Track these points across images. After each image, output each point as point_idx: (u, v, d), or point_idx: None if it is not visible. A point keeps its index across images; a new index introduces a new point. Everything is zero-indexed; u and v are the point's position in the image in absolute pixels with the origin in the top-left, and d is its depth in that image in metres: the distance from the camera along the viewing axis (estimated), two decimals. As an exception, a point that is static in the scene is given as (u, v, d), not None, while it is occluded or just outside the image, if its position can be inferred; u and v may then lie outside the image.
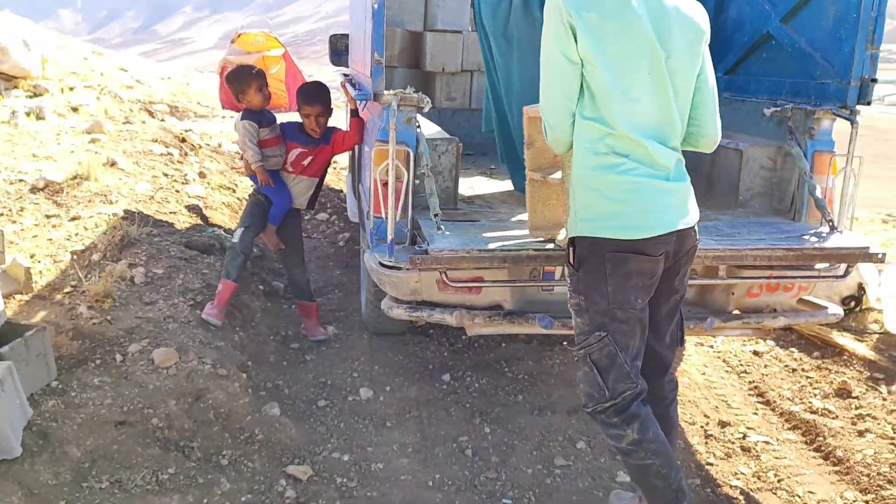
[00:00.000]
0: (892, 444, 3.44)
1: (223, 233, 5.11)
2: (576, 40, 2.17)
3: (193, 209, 5.46)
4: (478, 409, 3.67)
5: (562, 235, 2.63)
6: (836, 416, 3.73)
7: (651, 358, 2.53)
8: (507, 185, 4.12)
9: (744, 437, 3.57)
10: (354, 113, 3.93)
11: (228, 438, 3.12)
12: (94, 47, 14.82)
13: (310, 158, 4.04)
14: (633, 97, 2.22)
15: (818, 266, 3.26)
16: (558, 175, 2.63)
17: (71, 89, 8.33)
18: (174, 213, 5.17)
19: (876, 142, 18.14)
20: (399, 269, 3.02)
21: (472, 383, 3.93)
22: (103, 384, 3.12)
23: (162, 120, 8.30)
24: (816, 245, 3.11)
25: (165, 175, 5.84)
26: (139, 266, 4.04)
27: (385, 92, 3.03)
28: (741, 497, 3.13)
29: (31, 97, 7.57)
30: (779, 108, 3.53)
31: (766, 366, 4.33)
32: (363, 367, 4.06)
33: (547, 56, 2.25)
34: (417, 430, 3.50)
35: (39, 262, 4.16)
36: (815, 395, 3.94)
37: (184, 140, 6.98)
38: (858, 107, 3.38)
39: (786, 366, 4.31)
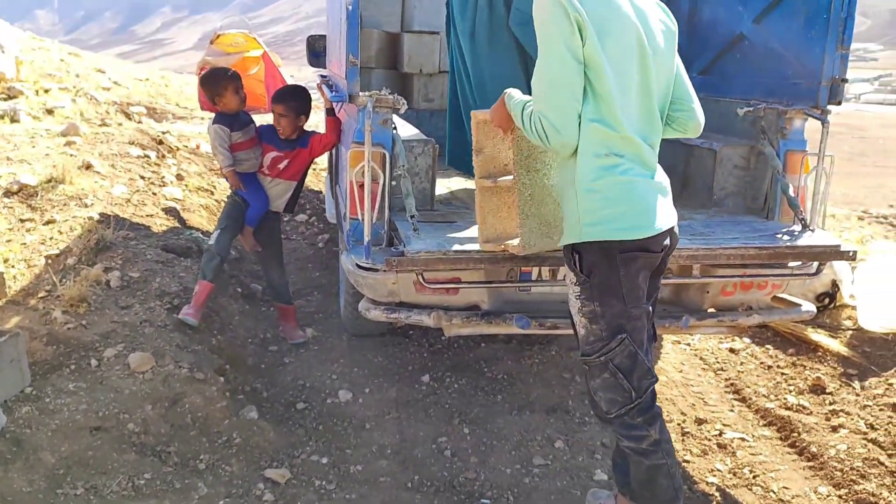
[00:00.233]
0: (865, 439, 3.49)
1: (201, 235, 5.08)
2: (582, 38, 2.12)
3: (171, 212, 5.42)
4: (457, 410, 3.68)
5: (516, 242, 2.56)
6: (811, 412, 3.78)
7: None
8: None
9: (720, 434, 3.60)
10: (330, 112, 3.92)
11: (206, 443, 3.11)
12: (71, 48, 14.68)
13: (286, 162, 4.03)
14: (628, 97, 2.23)
15: (791, 264, 3.30)
16: (508, 178, 2.57)
17: (46, 91, 8.25)
18: (151, 215, 5.13)
19: (852, 139, 18.35)
20: (376, 270, 3.02)
21: (452, 384, 3.94)
22: (78, 390, 3.09)
23: (139, 122, 8.25)
24: (788, 244, 3.15)
25: (142, 177, 5.79)
26: (115, 270, 4.01)
27: (360, 94, 3.02)
28: (717, 493, 3.16)
29: (5, 100, 7.49)
30: (752, 108, 3.56)
31: (742, 363, 4.38)
32: (342, 369, 4.05)
33: (551, 55, 2.15)
34: (396, 431, 3.50)
35: (13, 266, 4.12)
36: (790, 392, 3.99)
37: (161, 142, 6.92)
38: (830, 106, 3.42)
39: (761, 363, 4.35)
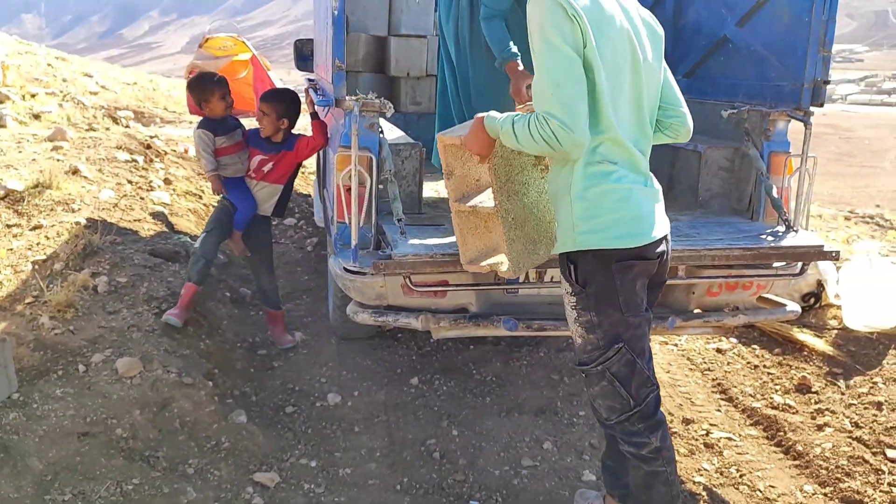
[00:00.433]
0: (850, 437, 3.53)
1: (189, 240, 5.07)
2: (583, 40, 2.09)
3: (159, 216, 5.41)
4: (446, 412, 3.69)
5: (505, 266, 2.47)
6: (797, 412, 3.81)
7: None
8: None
9: (707, 434, 3.63)
10: (315, 116, 3.93)
11: (194, 447, 3.11)
12: (58, 52, 14.64)
13: (270, 165, 4.03)
14: (620, 103, 2.22)
15: (775, 264, 3.33)
16: (487, 201, 2.48)
17: (33, 96, 8.23)
18: (139, 220, 5.12)
19: (839, 140, 18.49)
20: (363, 274, 3.03)
21: (440, 386, 3.95)
22: (66, 395, 3.08)
23: (127, 126, 8.23)
24: (773, 244, 3.18)
25: (130, 182, 5.78)
26: (102, 275, 4.00)
27: (347, 98, 3.04)
28: (704, 493, 3.19)
29: (-9, 104, 7.46)
30: (736, 111, 3.59)
31: (728, 363, 4.41)
32: (331, 372, 4.06)
33: (554, 56, 2.08)
34: (385, 434, 3.51)
35: (0, 272, 4.10)
36: (776, 391, 4.02)
37: (149, 146, 6.91)
38: (813, 108, 3.46)
39: (748, 363, 4.39)
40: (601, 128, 2.17)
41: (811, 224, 7.38)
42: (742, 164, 3.70)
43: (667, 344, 4.69)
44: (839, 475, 3.25)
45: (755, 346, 4.57)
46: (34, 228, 4.62)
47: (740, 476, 3.30)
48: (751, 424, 3.76)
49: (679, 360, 4.50)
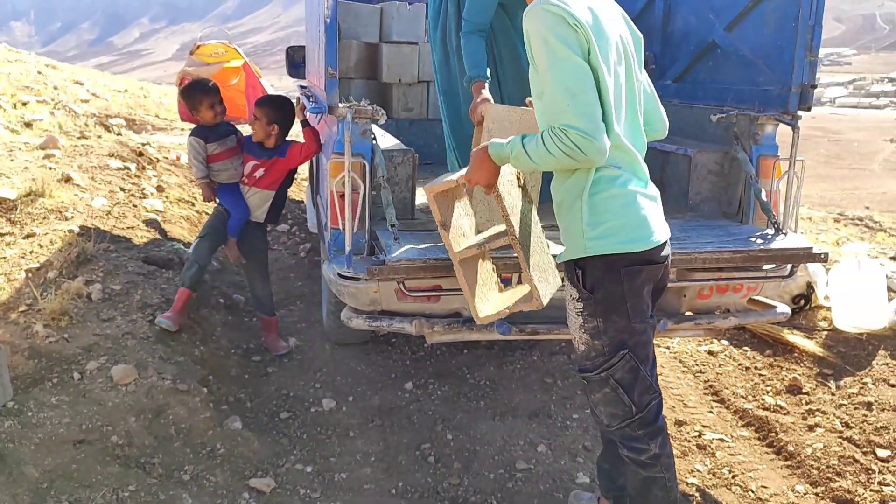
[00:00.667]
0: (841, 437, 3.57)
1: (182, 247, 5.08)
2: (588, 48, 2.10)
3: (152, 224, 5.42)
4: (440, 416, 3.71)
5: (530, 301, 2.44)
6: (788, 412, 3.85)
7: None
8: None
9: (699, 436, 3.66)
10: (305, 124, 3.95)
11: (190, 454, 3.12)
12: (48, 60, 14.62)
13: (262, 171, 4.05)
14: (621, 105, 2.23)
15: (765, 267, 3.36)
16: (499, 239, 2.46)
17: (24, 104, 8.22)
18: (132, 228, 5.13)
19: (828, 142, 18.61)
20: (357, 279, 3.04)
21: (435, 391, 3.97)
22: (61, 403, 3.09)
23: (118, 134, 8.22)
24: (762, 247, 3.21)
25: (122, 190, 5.78)
26: (96, 283, 4.01)
27: (340, 105, 3.06)
28: (697, 494, 3.21)
29: (-18, 113, 7.44)
30: (724, 115, 3.63)
31: (720, 365, 4.44)
32: (326, 377, 4.07)
33: (563, 66, 2.07)
34: (380, 438, 3.52)
35: (-7, 281, 4.10)
36: (768, 392, 4.06)
37: (141, 154, 6.91)
38: (801, 112, 3.50)
39: (739, 364, 4.42)
40: (611, 133, 2.17)
41: (801, 226, 7.44)
42: (731, 168, 3.74)
43: (659, 346, 4.72)
44: (830, 475, 3.29)
45: (746, 348, 4.60)
46: (27, 237, 4.62)
47: (733, 477, 3.33)
48: (743, 425, 3.80)
49: (671, 362, 4.54)
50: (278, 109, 4.02)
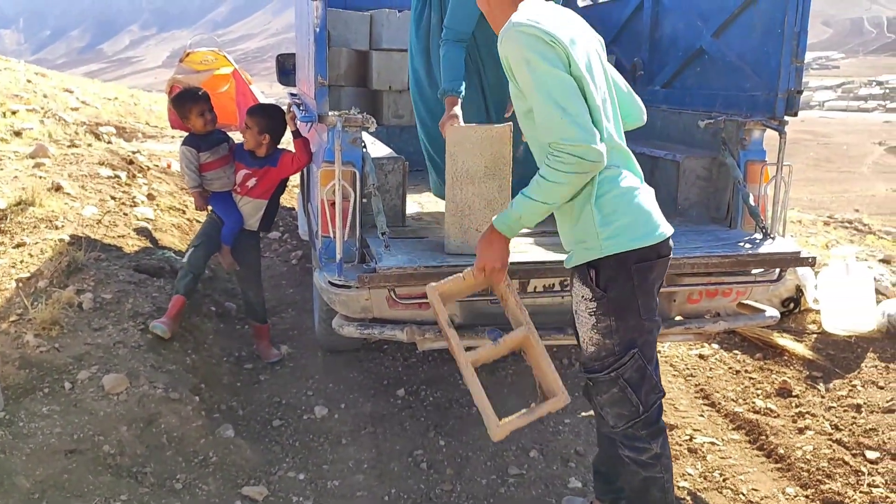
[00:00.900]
0: (830, 439, 3.59)
1: (173, 255, 5.07)
2: (568, 60, 2.16)
3: (142, 232, 5.41)
4: (432, 423, 3.72)
5: (559, 400, 2.44)
6: (778, 415, 3.87)
7: None
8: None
9: (691, 439, 3.68)
10: (297, 135, 3.97)
11: (182, 462, 3.11)
12: (37, 68, 14.58)
13: (254, 180, 4.06)
14: (608, 108, 2.31)
15: (754, 271, 3.39)
16: (489, 345, 2.48)
17: (13, 113, 8.19)
18: (122, 236, 5.12)
19: (817, 146, 18.73)
20: (348, 287, 3.05)
21: (427, 397, 3.98)
22: (52, 413, 3.08)
23: (109, 142, 8.21)
24: (750, 251, 3.24)
25: (113, 198, 5.78)
26: (87, 292, 4.00)
27: (330, 113, 3.07)
28: (689, 497, 3.23)
29: (-29, 122, 7.42)
30: (712, 120, 3.67)
31: (711, 368, 4.47)
32: (318, 385, 4.07)
33: (545, 81, 2.14)
34: (373, 445, 3.53)
35: (-17, 291, 4.09)
36: (758, 396, 4.08)
37: (131, 162, 6.91)
38: (787, 117, 3.53)
39: (730, 368, 4.45)
40: (604, 136, 2.23)
41: (791, 230, 7.48)
42: (719, 173, 3.77)
43: (657, 350, 4.73)
44: (820, 477, 3.31)
45: (737, 352, 4.63)
46: (17, 246, 4.61)
47: (724, 480, 3.35)
48: (733, 429, 3.82)
49: (662, 366, 4.55)
50: (270, 119, 4.03)
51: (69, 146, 7.14)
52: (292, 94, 5.34)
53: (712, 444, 3.64)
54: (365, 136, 3.23)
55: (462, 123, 3.39)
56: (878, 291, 4.84)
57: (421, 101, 3.97)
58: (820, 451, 3.49)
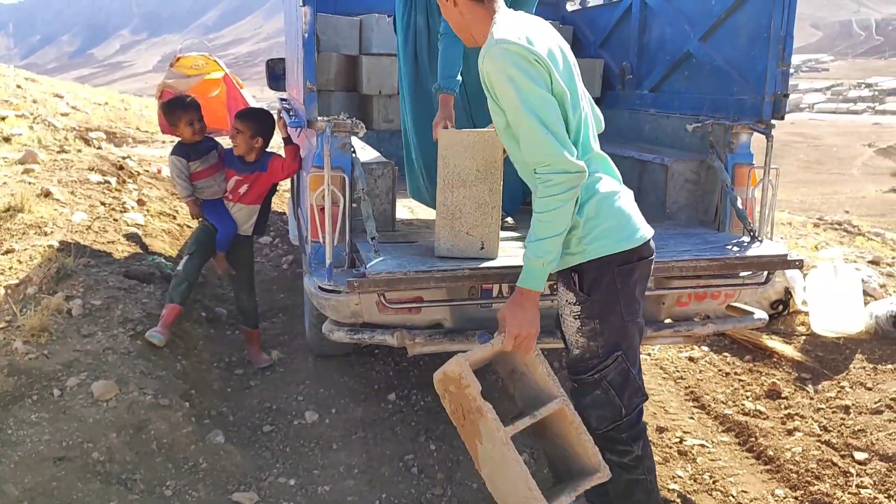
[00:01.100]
0: (819, 441, 3.61)
1: (164, 261, 5.07)
2: (549, 76, 2.21)
3: (132, 238, 5.39)
4: (423, 427, 3.72)
5: (596, 475, 2.45)
6: (767, 417, 3.89)
7: None
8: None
9: (681, 442, 3.69)
10: (287, 141, 3.96)
11: (172, 469, 3.11)
12: (27, 73, 14.53)
13: (246, 186, 4.06)
14: (585, 117, 2.36)
15: (742, 274, 3.41)
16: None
17: (3, 119, 8.16)
18: (112, 242, 5.11)
19: (807, 148, 18.81)
20: (338, 292, 3.05)
21: (418, 401, 3.98)
22: (41, 420, 3.07)
23: (99, 147, 8.18)
24: (738, 254, 3.25)
25: (103, 204, 5.76)
26: (76, 298, 3.99)
27: (319, 118, 3.07)
28: (678, 499, 3.24)
29: (-40, 128, 7.39)
30: (700, 124, 3.69)
31: (700, 371, 4.48)
32: (308, 390, 4.07)
33: (531, 101, 2.17)
34: (363, 450, 3.53)
35: (-28, 297, 4.07)
36: (747, 398, 4.10)
37: (121, 167, 6.89)
38: (773, 120, 3.56)
39: (719, 370, 4.47)
40: (585, 143, 2.31)
41: (781, 231, 7.52)
42: (707, 177, 3.79)
43: (639, 353, 4.75)
44: (809, 478, 3.33)
45: (726, 354, 4.65)
46: (6, 252, 4.59)
47: (713, 482, 3.36)
48: (723, 431, 3.83)
49: (652, 368, 4.57)
50: (260, 122, 4.04)
51: (59, 152, 7.11)
52: (282, 99, 5.34)
53: (702, 446, 3.66)
54: (354, 140, 3.23)
55: (453, 126, 3.40)
56: (866, 293, 4.87)
57: (409, 108, 3.97)
58: (809, 452, 3.51)
